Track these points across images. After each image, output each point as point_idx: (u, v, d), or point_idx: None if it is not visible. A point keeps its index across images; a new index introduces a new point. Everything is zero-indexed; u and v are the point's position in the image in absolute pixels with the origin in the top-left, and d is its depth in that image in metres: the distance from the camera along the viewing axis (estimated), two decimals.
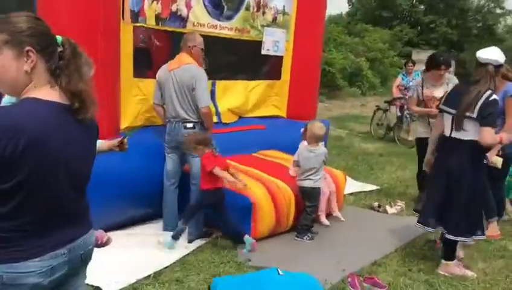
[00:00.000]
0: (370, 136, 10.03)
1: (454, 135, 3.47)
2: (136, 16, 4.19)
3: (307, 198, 4.23)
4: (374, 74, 19.90)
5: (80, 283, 1.71)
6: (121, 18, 4.04)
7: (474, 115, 3.35)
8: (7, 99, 2.58)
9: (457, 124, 3.43)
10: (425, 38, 28.75)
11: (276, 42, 5.84)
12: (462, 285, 3.49)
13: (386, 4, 29.01)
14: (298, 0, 5.76)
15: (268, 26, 5.66)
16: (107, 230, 3.84)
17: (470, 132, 3.41)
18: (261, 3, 5.55)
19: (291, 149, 4.61)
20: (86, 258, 1.67)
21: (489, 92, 3.38)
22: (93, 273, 1.90)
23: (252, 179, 4.23)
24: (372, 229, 4.55)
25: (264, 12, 5.61)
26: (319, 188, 4.26)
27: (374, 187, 6.04)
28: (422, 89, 5.01)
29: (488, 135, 3.32)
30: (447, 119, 3.55)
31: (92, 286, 3.05)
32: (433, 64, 4.88)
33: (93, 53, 3.53)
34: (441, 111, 3.65)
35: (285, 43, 5.83)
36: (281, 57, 5.87)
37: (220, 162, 3.89)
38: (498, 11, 30.50)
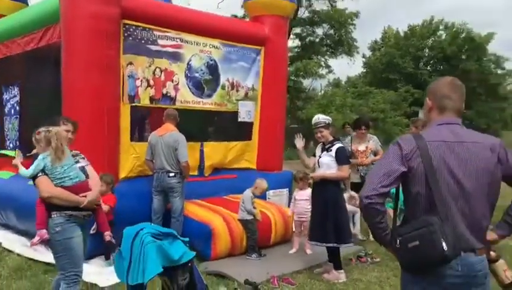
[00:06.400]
0: None
1: None
2: (132, 98, 5.94)
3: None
4: (376, 133, 21.32)
5: None
6: (121, 100, 5.80)
7: None
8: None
9: None
10: None
11: (248, 111, 7.51)
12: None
13: (392, 67, 31.00)
14: (263, 77, 7.49)
15: (242, 100, 7.35)
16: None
17: None
18: (234, 83, 7.30)
19: None
20: None
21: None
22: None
23: (213, 212, 5.75)
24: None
25: (237, 90, 7.33)
26: (244, 219, 5.70)
27: None
28: (351, 145, 6.64)
29: None
30: None
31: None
32: (356, 126, 6.51)
33: (101, 128, 5.36)
34: None
35: (254, 112, 7.50)
36: (252, 123, 7.51)
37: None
38: (499, 71, 32.05)
